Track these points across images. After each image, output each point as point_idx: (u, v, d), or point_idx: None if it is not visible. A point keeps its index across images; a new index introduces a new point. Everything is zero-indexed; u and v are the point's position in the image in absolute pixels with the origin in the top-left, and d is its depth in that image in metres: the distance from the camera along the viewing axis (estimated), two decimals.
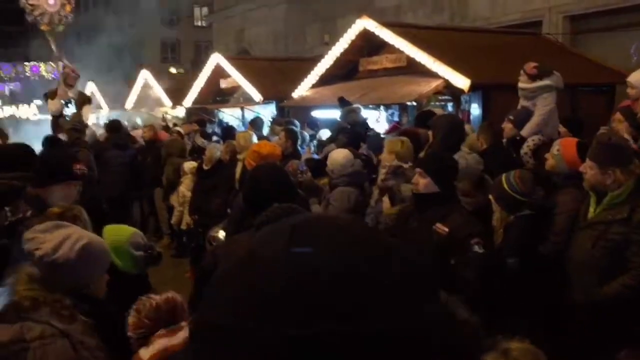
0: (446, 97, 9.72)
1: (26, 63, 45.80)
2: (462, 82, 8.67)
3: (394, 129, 8.01)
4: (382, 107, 10.66)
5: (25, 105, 39.04)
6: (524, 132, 5.82)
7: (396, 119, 10.44)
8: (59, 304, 2.00)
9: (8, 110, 38.94)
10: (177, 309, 2.06)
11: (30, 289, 2.00)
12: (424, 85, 9.25)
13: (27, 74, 45.22)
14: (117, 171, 8.55)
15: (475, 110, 9.18)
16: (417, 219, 3.79)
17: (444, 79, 9.00)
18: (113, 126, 9.72)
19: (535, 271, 3.73)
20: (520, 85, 6.18)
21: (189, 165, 8.28)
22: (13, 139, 9.46)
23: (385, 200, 4.93)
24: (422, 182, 3.74)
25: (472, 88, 8.68)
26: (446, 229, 3.56)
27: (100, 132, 10.42)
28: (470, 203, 4.24)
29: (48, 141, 6.63)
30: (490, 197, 4.04)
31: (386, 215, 4.71)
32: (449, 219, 3.61)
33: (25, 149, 4.15)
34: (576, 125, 5.65)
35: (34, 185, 3.24)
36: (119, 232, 2.95)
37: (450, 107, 9.59)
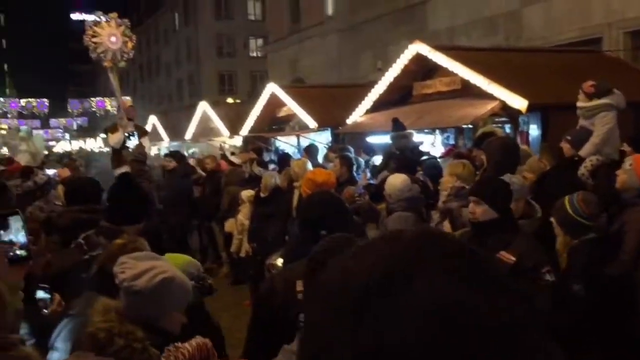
0: (503, 119, 9.56)
1: (92, 98, 47.95)
2: (519, 102, 8.51)
3: (450, 152, 7.92)
4: (437, 131, 10.57)
5: (92, 139, 40.76)
6: (582, 152, 5.62)
7: (452, 142, 10.32)
8: (132, 336, 2.04)
9: (76, 144, 40.81)
10: (209, 355, 2.01)
11: (105, 321, 2.05)
12: (479, 108, 9.13)
13: (93, 109, 47.31)
14: (177, 201, 8.74)
15: (534, 131, 8.96)
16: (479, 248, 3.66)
17: (500, 100, 8.86)
18: (175, 156, 9.95)
19: (602, 297, 3.58)
20: (579, 104, 6.00)
21: (247, 193, 8.40)
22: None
23: (446, 224, 4.85)
24: (479, 211, 3.59)
25: (530, 108, 8.50)
26: (512, 258, 3.36)
27: (161, 163, 10.73)
28: (528, 225, 4.09)
29: (127, 181, 6.53)
30: (552, 220, 3.91)
31: None
32: (514, 246, 3.43)
33: (92, 183, 4.34)
34: None
35: (120, 222, 3.34)
36: (174, 261, 3.00)
37: (507, 128, 9.41)
